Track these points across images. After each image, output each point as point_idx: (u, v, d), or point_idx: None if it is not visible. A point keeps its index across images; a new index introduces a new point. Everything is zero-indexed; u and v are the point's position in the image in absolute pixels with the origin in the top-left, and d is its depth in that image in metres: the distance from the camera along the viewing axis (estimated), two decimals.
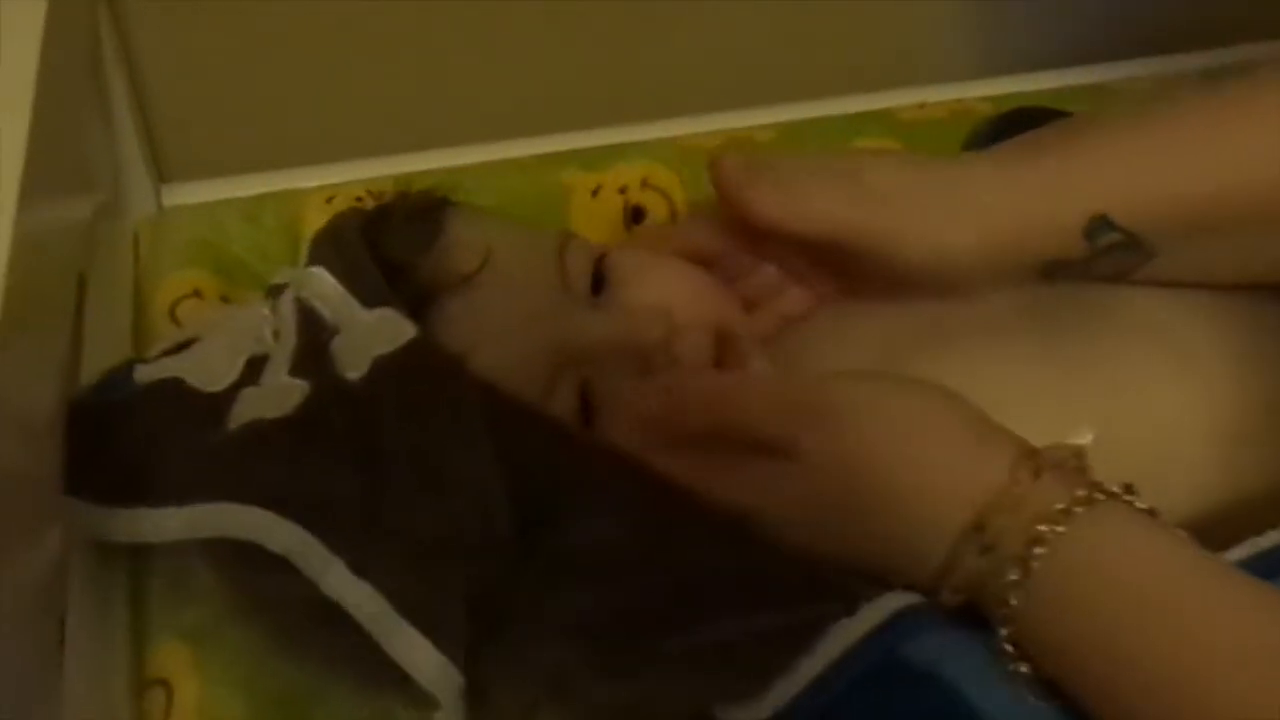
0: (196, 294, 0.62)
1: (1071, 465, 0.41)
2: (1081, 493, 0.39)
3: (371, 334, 0.46)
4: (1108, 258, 0.47)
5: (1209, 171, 0.47)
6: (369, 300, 0.47)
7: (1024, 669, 0.39)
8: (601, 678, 0.41)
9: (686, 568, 0.42)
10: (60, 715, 0.37)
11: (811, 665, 0.39)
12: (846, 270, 0.51)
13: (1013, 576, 0.38)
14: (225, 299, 0.63)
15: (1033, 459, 0.41)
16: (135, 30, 0.67)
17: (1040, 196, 0.47)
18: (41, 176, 0.41)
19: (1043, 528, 0.38)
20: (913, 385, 0.44)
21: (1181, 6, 0.80)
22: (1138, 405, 0.46)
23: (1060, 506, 0.39)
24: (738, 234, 0.53)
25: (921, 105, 0.75)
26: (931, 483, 0.41)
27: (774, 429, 0.43)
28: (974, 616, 0.41)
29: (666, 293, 0.52)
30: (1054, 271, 0.49)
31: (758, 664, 0.40)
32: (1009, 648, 0.39)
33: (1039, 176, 0.48)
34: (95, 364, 0.56)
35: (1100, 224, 0.47)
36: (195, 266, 0.64)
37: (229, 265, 0.65)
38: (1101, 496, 0.39)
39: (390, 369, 0.44)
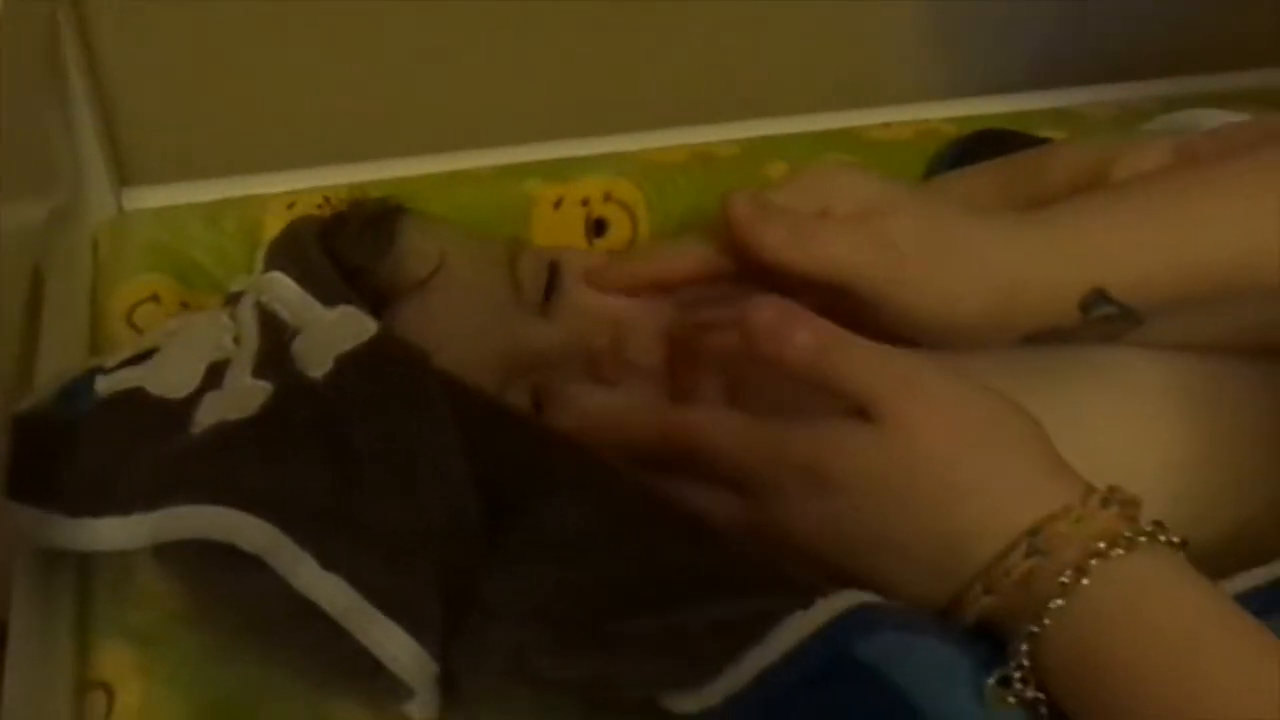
0: (154, 299, 0.62)
1: (1130, 511, 0.42)
2: (1144, 528, 0.40)
3: (333, 332, 0.46)
4: (1096, 327, 0.48)
5: (1209, 248, 0.47)
6: (329, 300, 0.47)
7: (1019, 674, 0.40)
8: (557, 660, 0.41)
9: (647, 555, 0.42)
10: None
11: (762, 656, 0.40)
12: (847, 315, 0.51)
13: (1063, 579, 0.39)
14: (185, 305, 0.63)
15: (1100, 494, 0.42)
16: (98, 32, 0.68)
17: (1048, 265, 0.48)
18: None
19: (1102, 544, 0.39)
20: (1008, 400, 0.44)
21: (1145, 34, 0.82)
22: (1078, 431, 0.47)
23: (1124, 532, 0.40)
24: (732, 265, 0.52)
25: (886, 125, 0.76)
26: (999, 484, 0.42)
27: (875, 386, 0.43)
28: (932, 626, 0.42)
29: (613, 301, 0.52)
30: (1039, 338, 0.49)
31: (710, 652, 0.40)
32: (1023, 649, 0.40)
33: (1048, 245, 0.48)
34: (50, 366, 0.56)
35: (1097, 297, 0.47)
36: (154, 271, 0.64)
37: (188, 270, 0.65)
38: (1163, 538, 0.40)
39: (354, 365, 0.45)
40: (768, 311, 0.45)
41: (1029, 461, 0.43)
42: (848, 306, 0.47)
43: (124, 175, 0.71)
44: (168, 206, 0.69)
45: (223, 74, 0.71)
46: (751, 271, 0.50)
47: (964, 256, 0.47)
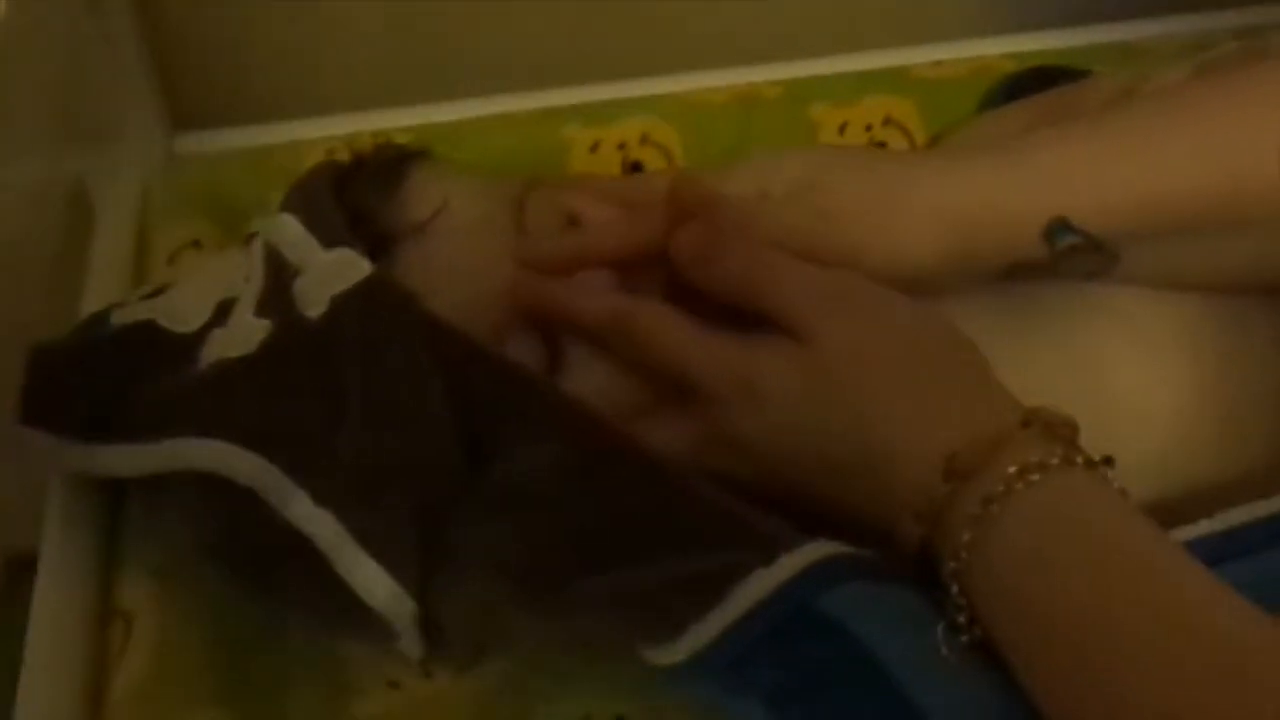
0: (196, 244, 0.64)
1: (1062, 431, 0.40)
2: (1060, 452, 0.39)
3: (330, 273, 0.47)
4: (1070, 260, 0.46)
5: (1172, 171, 0.45)
6: (328, 242, 0.48)
7: (961, 617, 0.39)
8: (523, 613, 0.42)
9: (609, 505, 0.43)
10: None
11: (725, 613, 0.40)
12: None
13: (973, 511, 0.38)
14: (223, 250, 0.64)
15: (1025, 413, 0.40)
16: None
17: (1001, 197, 0.46)
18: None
19: (1012, 469, 0.38)
20: (942, 322, 0.44)
21: None
22: (1092, 383, 0.45)
23: (1037, 459, 0.38)
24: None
25: (938, 63, 0.73)
26: (918, 406, 0.41)
27: (800, 307, 0.43)
28: (897, 574, 0.41)
29: (622, 242, 0.52)
30: (1016, 273, 0.48)
31: (673, 609, 0.40)
32: (954, 590, 0.39)
33: (994, 177, 0.47)
34: (93, 308, 0.58)
35: (1058, 227, 0.46)
36: (199, 217, 0.65)
37: (231, 216, 0.66)
38: (1080, 461, 0.39)
39: (346, 306, 0.45)
40: (695, 235, 0.45)
41: (954, 384, 0.42)
42: None
43: (176, 121, 0.73)
44: (215, 152, 0.70)
45: (268, 19, 0.72)
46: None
47: (904, 205, 0.46)
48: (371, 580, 0.42)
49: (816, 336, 0.43)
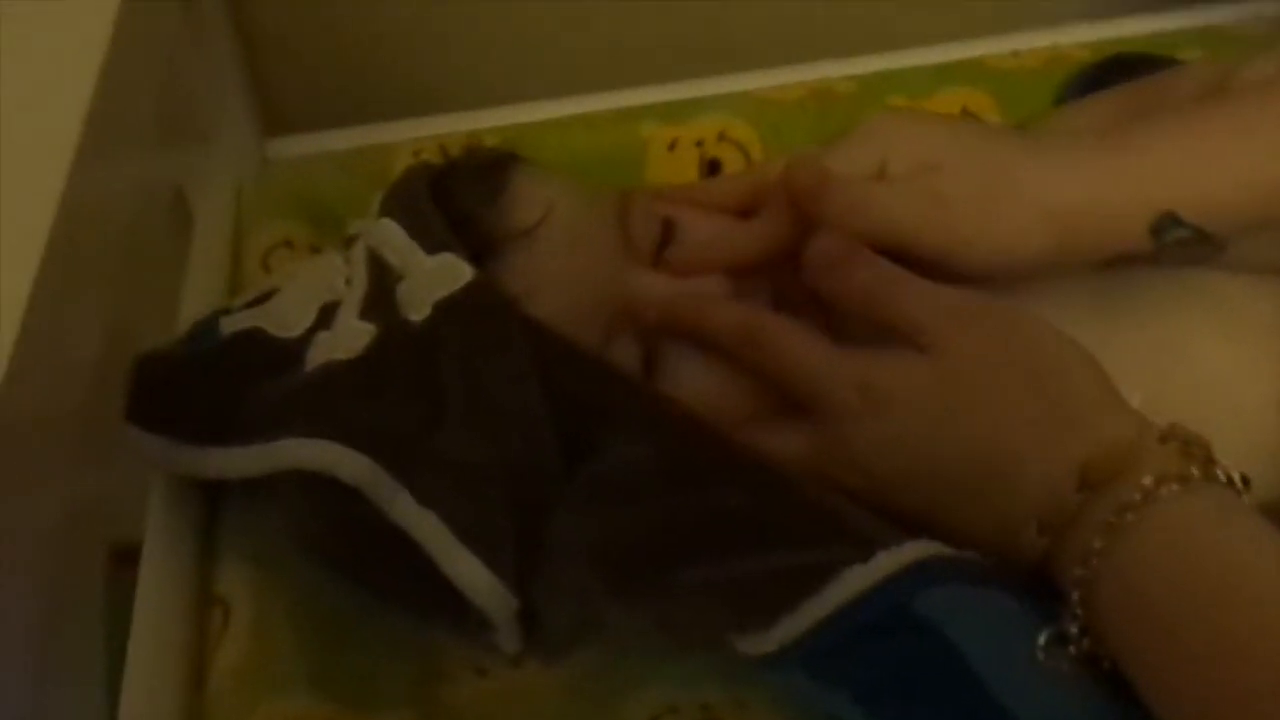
0: (288, 244, 0.65)
1: (1197, 449, 0.41)
2: (1198, 468, 0.39)
3: (432, 278, 0.48)
4: (1176, 253, 0.47)
5: (1276, 162, 0.45)
6: (431, 247, 0.49)
7: (1074, 626, 0.39)
8: (617, 602, 0.43)
9: (708, 501, 0.43)
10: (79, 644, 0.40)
11: (819, 607, 0.40)
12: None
13: (1107, 518, 0.38)
14: (315, 249, 0.66)
15: (1158, 428, 0.41)
16: None
17: (1107, 193, 0.47)
18: (107, 134, 0.43)
19: (1149, 480, 0.38)
20: (1062, 333, 0.44)
21: None
22: (1183, 364, 0.45)
23: (1176, 471, 0.39)
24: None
25: (1015, 53, 0.73)
26: (1049, 416, 0.42)
27: (928, 319, 0.44)
28: (997, 579, 0.41)
29: (725, 252, 0.53)
30: (1118, 263, 0.49)
31: (767, 599, 0.41)
32: (1074, 597, 0.39)
33: (1107, 172, 0.47)
34: (192, 307, 0.60)
35: (1167, 221, 0.46)
36: (290, 217, 0.67)
37: (322, 216, 0.68)
38: (1221, 478, 0.39)
39: (448, 311, 0.47)
40: (827, 247, 0.46)
41: (1083, 394, 0.42)
42: (915, 261, 0.47)
43: (269, 126, 0.75)
44: (307, 155, 0.72)
45: (352, 25, 0.74)
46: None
47: (1015, 197, 0.46)
48: (474, 576, 0.43)
49: (945, 347, 0.43)
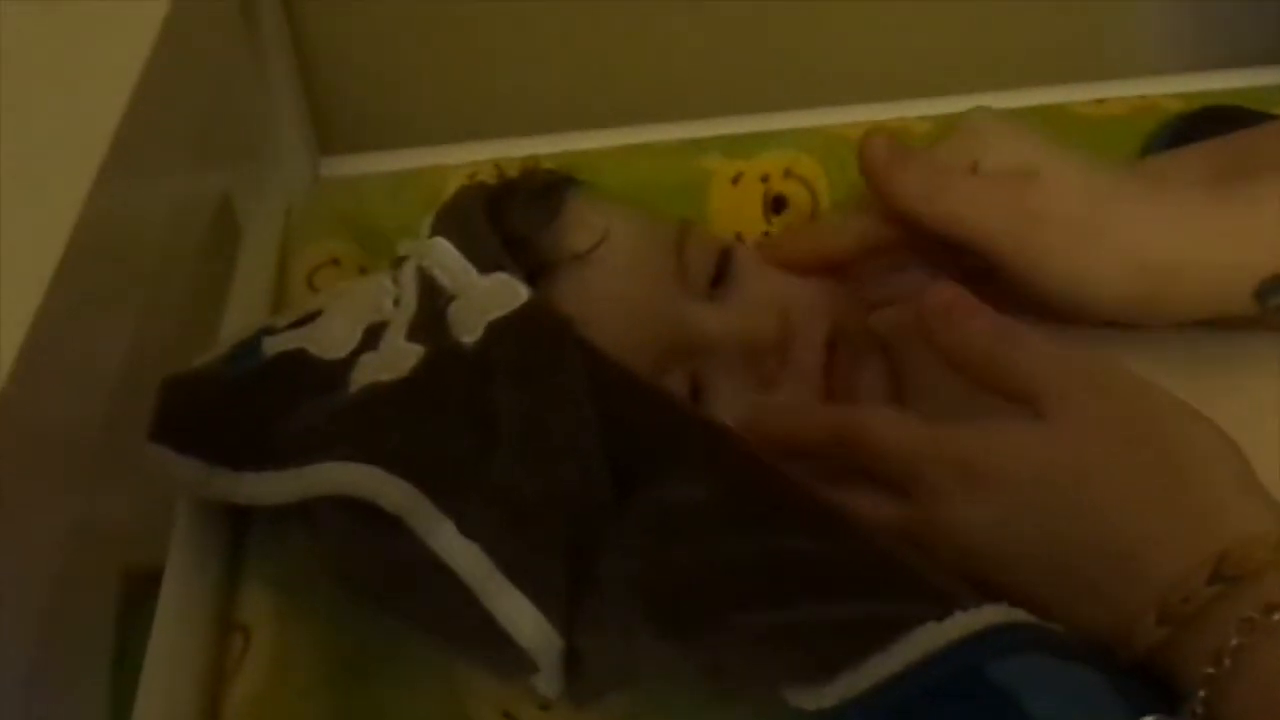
0: (335, 263, 0.64)
1: None
2: None
3: (486, 298, 0.46)
4: (1276, 317, 0.44)
5: None
6: (486, 267, 0.47)
7: None
8: (664, 644, 0.40)
9: (770, 544, 0.40)
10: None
11: (884, 664, 0.37)
12: (986, 273, 0.48)
13: (1248, 615, 0.35)
14: (363, 269, 0.64)
15: None
16: (301, 9, 0.70)
17: (1211, 252, 0.44)
18: (143, 145, 0.42)
19: None
20: (1198, 412, 0.41)
21: None
22: (1253, 440, 0.42)
23: None
24: (881, 224, 0.50)
25: (1100, 101, 0.70)
26: (1184, 500, 0.38)
27: (1045, 378, 0.41)
28: (1084, 654, 0.38)
29: (785, 292, 0.50)
30: (1211, 323, 0.46)
31: (829, 651, 0.38)
32: (1200, 695, 0.35)
33: (1212, 229, 0.44)
34: (235, 323, 0.59)
35: (1274, 284, 0.43)
36: (339, 237, 0.65)
37: (370, 237, 0.66)
38: None
39: (502, 332, 0.45)
40: (946, 296, 0.43)
41: (1220, 478, 0.38)
42: (985, 268, 0.44)
43: (323, 145, 0.74)
44: (358, 175, 0.71)
45: (414, 47, 0.73)
46: (914, 240, 0.47)
47: (1110, 234, 0.43)
48: (518, 614, 0.40)
49: (1061, 411, 0.40)
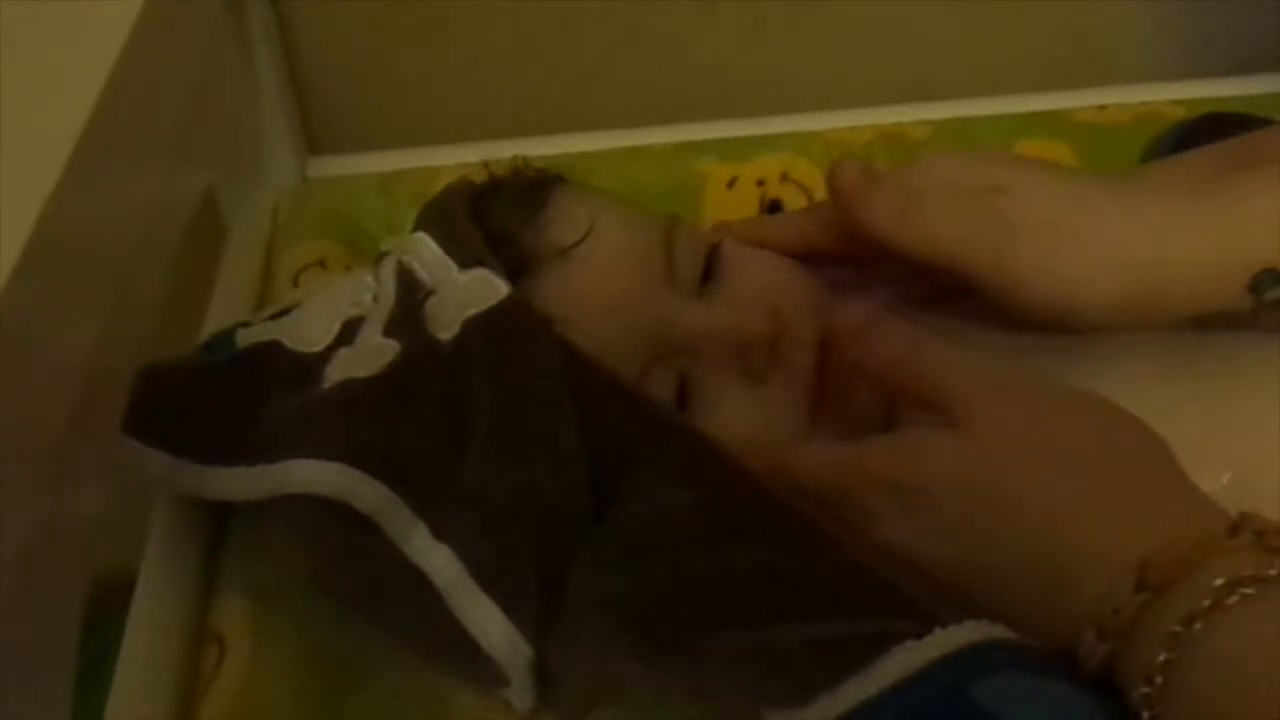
0: (321, 264, 0.63)
1: (1274, 540, 0.35)
2: (1278, 564, 0.33)
3: (465, 294, 0.45)
4: (1276, 310, 0.42)
5: None
6: (465, 262, 0.46)
7: None
8: (642, 665, 0.38)
9: (746, 558, 0.39)
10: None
11: (864, 684, 0.35)
12: (962, 291, 0.47)
13: (1171, 628, 0.33)
14: (349, 269, 0.63)
15: (1228, 519, 0.35)
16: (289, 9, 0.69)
17: (1200, 246, 0.42)
18: (115, 140, 0.41)
19: (1219, 582, 0.33)
20: (1120, 410, 0.39)
21: None
22: (1243, 444, 0.41)
23: (1250, 571, 0.33)
24: (844, 238, 0.49)
25: (1101, 107, 0.69)
26: (1103, 504, 0.37)
27: (949, 389, 0.40)
28: (1066, 671, 0.36)
29: (775, 289, 0.49)
30: (1209, 324, 0.44)
31: (806, 673, 0.36)
32: (1145, 718, 0.34)
33: (1200, 222, 0.43)
34: (217, 323, 0.57)
35: (1268, 277, 0.42)
36: (326, 237, 0.64)
37: (358, 237, 0.65)
38: None
39: (479, 329, 0.43)
40: (853, 315, 0.42)
41: (1144, 480, 0.37)
42: (962, 289, 0.44)
43: (311, 145, 0.73)
44: (346, 175, 0.70)
45: (405, 48, 0.72)
46: (856, 250, 0.47)
47: (1091, 237, 0.42)
48: (488, 622, 0.39)
49: (978, 421, 0.39)
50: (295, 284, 0.62)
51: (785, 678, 0.36)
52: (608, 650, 0.39)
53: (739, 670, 0.37)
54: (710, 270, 0.50)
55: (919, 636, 0.36)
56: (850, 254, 0.49)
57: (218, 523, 0.49)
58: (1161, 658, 0.33)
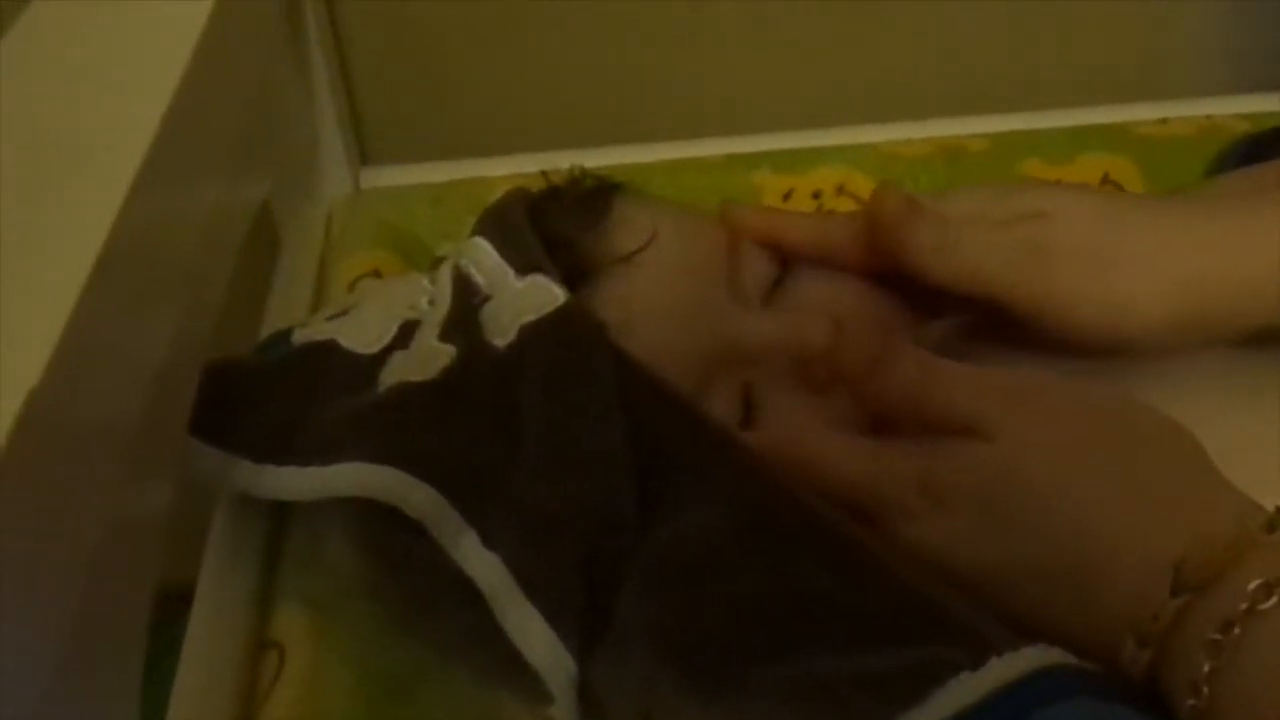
0: (376, 273, 0.62)
1: None
2: None
3: (521, 300, 0.44)
4: None
5: None
6: (523, 268, 0.45)
7: None
8: (689, 698, 0.37)
9: (791, 582, 0.38)
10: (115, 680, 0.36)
11: (919, 719, 0.34)
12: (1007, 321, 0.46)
13: (1211, 635, 0.32)
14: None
15: (1264, 514, 0.35)
16: (344, 20, 0.69)
17: (1244, 260, 0.42)
18: (183, 148, 0.41)
19: (1256, 583, 0.32)
20: (1151, 409, 0.39)
21: None
22: None
23: None
24: (865, 251, 0.48)
25: (1163, 121, 0.68)
26: (1145, 501, 0.36)
27: (980, 403, 0.39)
28: (1118, 693, 0.35)
29: (841, 299, 0.48)
30: (1265, 339, 0.43)
31: (859, 708, 0.34)
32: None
33: (1246, 235, 0.42)
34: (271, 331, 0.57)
35: None
36: (380, 247, 0.64)
37: (412, 247, 0.65)
38: None
39: (535, 336, 0.43)
40: (866, 346, 0.42)
41: (1176, 477, 0.36)
42: (1006, 321, 0.43)
43: (364, 155, 0.73)
44: (400, 186, 0.70)
45: (457, 61, 0.72)
46: (874, 266, 0.47)
47: (1131, 258, 0.41)
48: (532, 632, 0.38)
49: (1006, 430, 0.38)
50: (351, 291, 0.62)
51: (836, 712, 0.35)
52: (652, 681, 0.37)
53: (788, 704, 0.36)
54: (780, 280, 0.49)
55: (974, 667, 0.34)
56: (864, 268, 0.48)
57: (275, 531, 0.49)
58: (1206, 667, 0.32)
